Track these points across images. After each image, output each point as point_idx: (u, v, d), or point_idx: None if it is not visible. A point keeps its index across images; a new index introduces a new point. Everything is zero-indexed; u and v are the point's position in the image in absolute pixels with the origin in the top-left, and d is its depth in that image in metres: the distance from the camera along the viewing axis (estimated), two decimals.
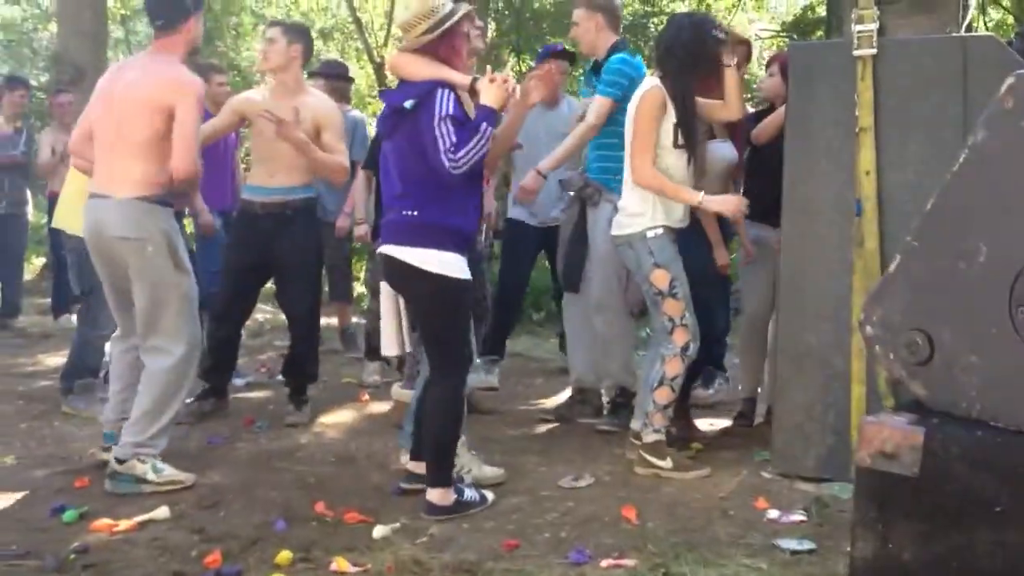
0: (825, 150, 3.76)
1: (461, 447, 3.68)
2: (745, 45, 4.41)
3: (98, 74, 9.11)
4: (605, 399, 4.82)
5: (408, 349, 3.71)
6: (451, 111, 3.26)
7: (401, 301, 3.63)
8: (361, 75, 16.28)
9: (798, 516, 3.36)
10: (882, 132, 3.61)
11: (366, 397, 5.31)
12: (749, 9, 14.35)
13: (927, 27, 3.68)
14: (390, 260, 3.43)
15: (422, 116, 3.29)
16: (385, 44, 16.27)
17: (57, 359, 6.02)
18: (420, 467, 3.58)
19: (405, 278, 3.42)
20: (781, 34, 12.83)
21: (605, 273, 4.60)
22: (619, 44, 4.66)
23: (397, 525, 3.31)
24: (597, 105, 4.44)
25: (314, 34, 16.85)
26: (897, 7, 3.67)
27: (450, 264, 3.35)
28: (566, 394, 5.50)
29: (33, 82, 17.71)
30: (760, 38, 12.73)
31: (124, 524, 3.30)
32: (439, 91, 3.30)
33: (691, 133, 3.88)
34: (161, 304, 3.78)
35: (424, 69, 3.39)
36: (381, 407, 5.14)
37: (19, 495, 3.65)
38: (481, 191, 3.61)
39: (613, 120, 4.43)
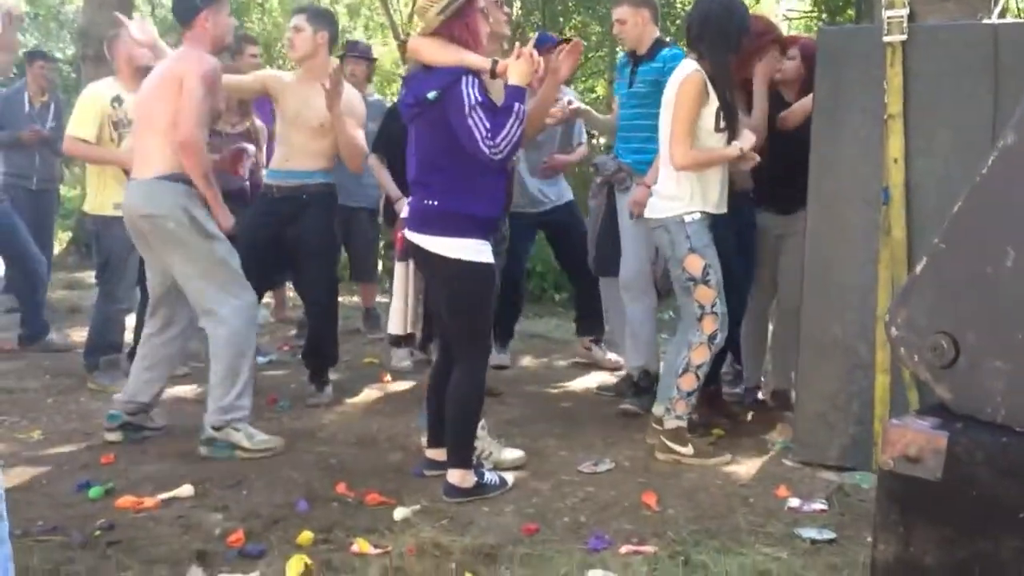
0: (853, 137, 3.72)
1: (481, 430, 3.70)
2: (779, 42, 4.36)
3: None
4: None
5: (411, 330, 3.73)
6: (479, 98, 3.27)
7: (412, 283, 3.66)
8: (385, 52, 16.27)
9: (819, 505, 3.35)
10: (911, 119, 3.56)
11: (388, 378, 5.33)
12: None
13: (958, 13, 3.63)
14: (414, 247, 3.48)
15: (448, 107, 3.29)
16: (410, 21, 16.23)
17: (84, 334, 6.06)
18: (439, 454, 3.62)
19: (429, 264, 3.47)
20: (811, 14, 12.66)
21: (636, 255, 4.64)
22: (661, 39, 4.74)
23: (418, 507, 3.33)
24: None
25: (342, 9, 16.93)
26: None
27: (471, 249, 3.37)
28: (587, 376, 5.52)
29: (59, 55, 17.83)
30: (788, 19, 12.57)
31: (149, 501, 3.35)
32: (462, 79, 3.29)
33: (732, 115, 3.85)
34: (199, 274, 3.92)
35: (442, 53, 3.37)
36: (403, 388, 5.17)
37: (45, 470, 3.70)
38: (506, 176, 3.60)
39: (645, 106, 4.50)
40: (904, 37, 3.54)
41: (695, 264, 3.83)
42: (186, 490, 3.46)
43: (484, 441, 3.77)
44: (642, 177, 4.51)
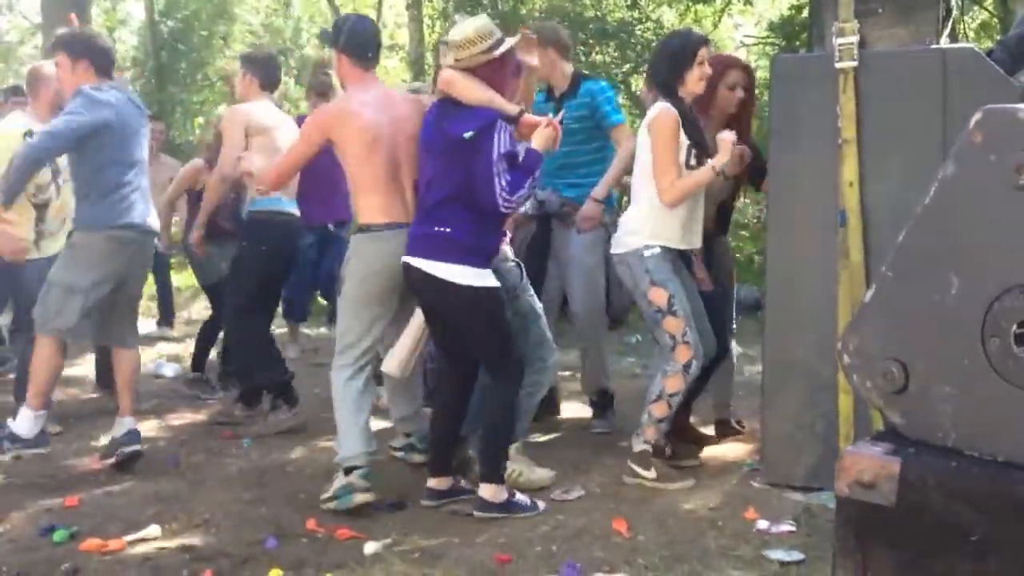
0: (809, 161, 3.79)
1: (514, 451, 3.83)
2: (746, 72, 4.42)
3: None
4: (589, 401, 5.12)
5: (407, 374, 3.77)
6: (507, 148, 3.43)
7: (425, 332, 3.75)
8: None
9: (787, 526, 3.38)
10: (865, 144, 3.64)
11: None
12: (735, 13, 14.39)
13: (907, 39, 3.70)
14: (419, 272, 3.53)
15: (480, 147, 3.42)
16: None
17: None
18: (441, 483, 3.72)
19: (435, 291, 3.54)
20: (768, 39, 12.87)
21: (588, 285, 4.76)
22: (580, 73, 4.98)
23: (388, 541, 3.33)
24: (626, 132, 4.72)
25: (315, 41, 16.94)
26: (877, 19, 3.70)
27: (479, 275, 3.50)
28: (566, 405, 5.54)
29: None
30: (745, 45, 12.78)
31: (114, 543, 3.31)
32: (497, 124, 3.45)
33: (703, 148, 3.91)
34: None
35: (475, 91, 3.50)
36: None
37: (8, 515, 3.64)
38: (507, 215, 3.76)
39: (577, 142, 4.69)
40: (855, 63, 3.61)
41: (659, 296, 3.87)
42: (153, 531, 3.43)
43: (515, 461, 3.83)
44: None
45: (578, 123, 4.69)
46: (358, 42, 3.90)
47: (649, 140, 3.89)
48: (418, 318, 3.76)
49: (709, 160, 3.88)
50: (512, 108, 3.55)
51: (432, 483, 3.73)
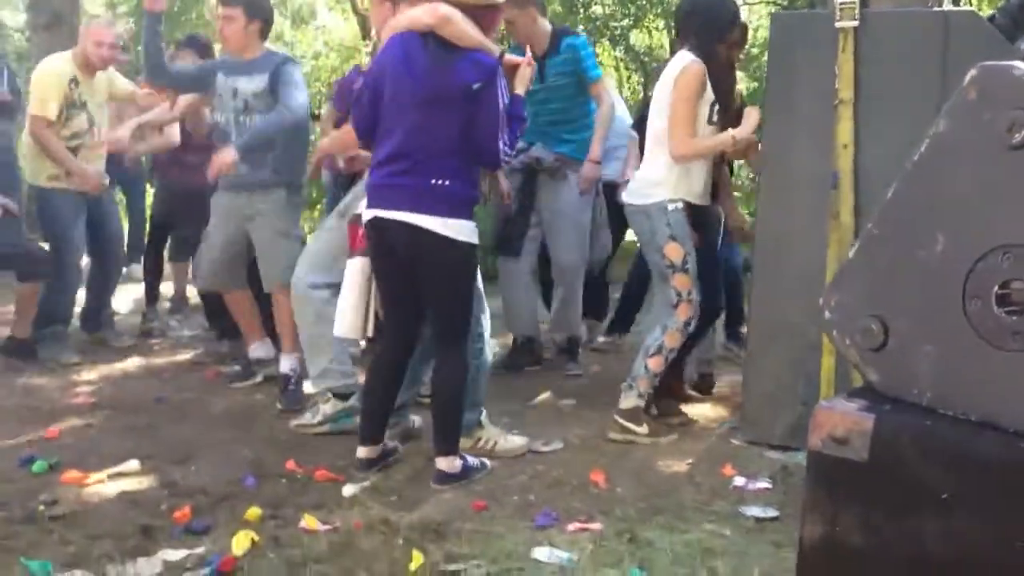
0: (804, 122, 3.75)
1: (485, 420, 3.76)
2: (741, 28, 4.36)
3: (74, 18, 8.64)
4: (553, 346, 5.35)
5: (371, 335, 3.57)
6: (506, 101, 3.33)
7: (373, 283, 3.48)
8: (346, 27, 16.13)
9: (764, 484, 3.40)
10: (861, 105, 3.60)
11: None
12: None
13: (910, 0, 3.66)
14: (410, 228, 3.28)
15: (485, 98, 3.27)
16: None
17: None
18: (373, 451, 3.51)
19: (429, 247, 3.30)
20: (768, 1, 12.72)
21: (578, 240, 4.93)
22: (558, 29, 4.98)
23: (367, 484, 3.33)
24: (606, 87, 4.94)
25: None
26: None
27: (473, 231, 3.37)
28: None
29: (10, 22, 17.39)
30: (748, 3, 12.64)
31: (94, 476, 3.31)
32: (498, 75, 3.30)
33: (727, 107, 3.90)
34: None
35: (468, 32, 3.30)
36: None
37: None
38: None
39: (566, 98, 4.81)
40: (856, 23, 3.57)
41: (676, 252, 3.86)
42: (132, 465, 3.44)
43: (489, 430, 3.77)
44: (577, 163, 4.83)
45: (565, 79, 4.76)
46: None
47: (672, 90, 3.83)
48: (360, 274, 3.48)
49: (730, 130, 3.86)
50: (495, 48, 3.40)
51: (362, 453, 3.50)
